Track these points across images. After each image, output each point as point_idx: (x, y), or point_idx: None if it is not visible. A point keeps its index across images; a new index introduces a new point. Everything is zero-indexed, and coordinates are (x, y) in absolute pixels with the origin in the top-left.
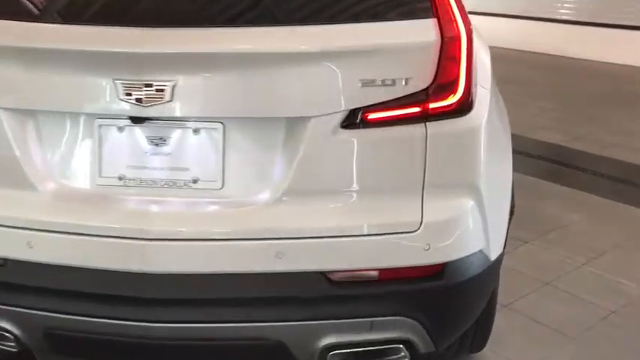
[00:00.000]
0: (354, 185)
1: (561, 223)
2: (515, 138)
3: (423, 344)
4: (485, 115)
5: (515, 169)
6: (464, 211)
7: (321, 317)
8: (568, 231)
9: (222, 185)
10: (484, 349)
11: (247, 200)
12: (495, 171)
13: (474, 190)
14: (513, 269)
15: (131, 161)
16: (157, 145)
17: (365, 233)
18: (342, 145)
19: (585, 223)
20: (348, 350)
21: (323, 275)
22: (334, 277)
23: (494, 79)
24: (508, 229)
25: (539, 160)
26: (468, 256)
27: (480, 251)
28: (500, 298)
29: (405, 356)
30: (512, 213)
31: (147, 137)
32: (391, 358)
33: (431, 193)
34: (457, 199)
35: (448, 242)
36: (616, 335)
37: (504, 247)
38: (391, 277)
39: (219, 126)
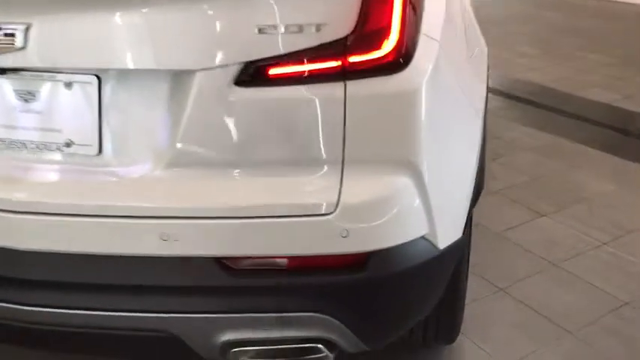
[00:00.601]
0: (255, 157)
1: (590, 195)
2: (558, 95)
3: (348, 344)
4: (428, 73)
5: (552, 130)
6: (394, 192)
7: (218, 310)
8: (596, 204)
9: (100, 151)
10: (463, 340)
11: (127, 170)
12: (446, 143)
13: (410, 167)
14: (519, 246)
15: None
16: (26, 100)
17: (268, 215)
18: (237, 107)
19: (619, 196)
20: (255, 348)
21: (219, 262)
22: (233, 264)
23: (464, 25)
24: (471, 212)
25: (580, 122)
26: (401, 245)
27: (423, 238)
28: (496, 280)
29: (327, 356)
30: (478, 193)
31: (15, 91)
32: (310, 357)
33: (353, 170)
34: (387, 178)
35: (373, 228)
36: (625, 332)
37: (465, 233)
38: (303, 267)
39: (94, 79)
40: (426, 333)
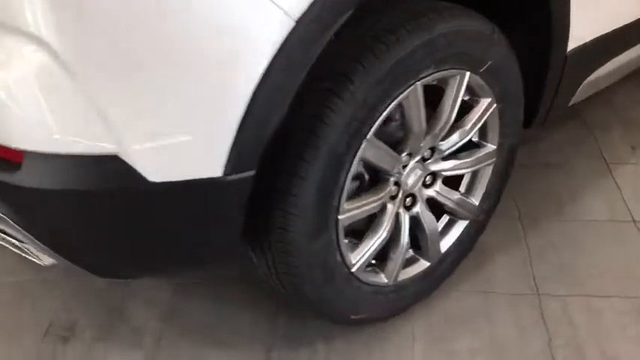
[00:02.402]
0: None
1: None
2: None
3: (48, 253)
4: None
5: None
6: (22, 74)
7: None
8: None
9: None
10: (403, 337)
11: None
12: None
13: (37, 41)
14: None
15: None
16: None
17: None
18: None
19: None
20: None
21: None
22: None
23: None
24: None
25: None
26: (59, 155)
27: (113, 158)
28: (546, 279)
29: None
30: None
31: None
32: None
33: None
34: (20, 51)
35: (8, 114)
36: None
37: (228, 172)
38: None
39: None
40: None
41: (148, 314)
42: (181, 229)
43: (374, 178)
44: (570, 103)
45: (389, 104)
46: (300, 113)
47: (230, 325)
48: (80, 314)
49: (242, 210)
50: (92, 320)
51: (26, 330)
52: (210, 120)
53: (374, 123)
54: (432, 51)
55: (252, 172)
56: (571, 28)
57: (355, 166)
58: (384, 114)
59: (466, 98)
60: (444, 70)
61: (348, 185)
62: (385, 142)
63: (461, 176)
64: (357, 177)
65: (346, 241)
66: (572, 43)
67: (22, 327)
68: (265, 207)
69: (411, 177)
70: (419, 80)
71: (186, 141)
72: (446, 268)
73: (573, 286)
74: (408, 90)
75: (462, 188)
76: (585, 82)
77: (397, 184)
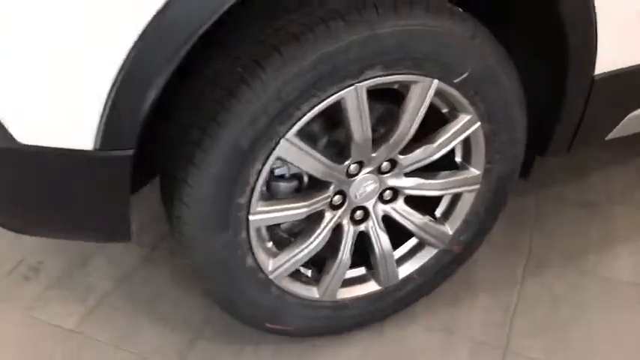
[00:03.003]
0: None
1: None
2: None
3: None
4: None
5: None
6: None
7: None
8: None
9: None
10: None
11: None
12: None
13: None
14: None
15: None
16: None
17: None
18: None
19: None
20: None
21: None
22: None
23: None
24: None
25: None
26: None
27: None
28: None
29: None
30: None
31: None
32: None
33: None
34: None
35: None
36: None
37: (105, 146)
38: None
39: None
40: None
41: (106, 273)
42: (55, 194)
43: (314, 183)
44: (610, 137)
45: (316, 104)
46: (207, 97)
47: (174, 302)
48: (49, 258)
49: (122, 187)
50: (56, 266)
51: None
52: (76, 91)
53: (295, 122)
54: (377, 50)
55: (130, 152)
56: (600, 49)
57: (269, 165)
58: (310, 114)
59: (444, 111)
60: (396, 74)
61: (261, 184)
62: (332, 147)
63: (439, 199)
64: (296, 177)
65: (270, 244)
66: (603, 67)
67: None
68: (166, 193)
69: (361, 188)
70: (360, 82)
71: (53, 109)
72: (405, 296)
73: (553, 351)
74: (344, 91)
75: (438, 212)
76: (633, 114)
77: (342, 193)
